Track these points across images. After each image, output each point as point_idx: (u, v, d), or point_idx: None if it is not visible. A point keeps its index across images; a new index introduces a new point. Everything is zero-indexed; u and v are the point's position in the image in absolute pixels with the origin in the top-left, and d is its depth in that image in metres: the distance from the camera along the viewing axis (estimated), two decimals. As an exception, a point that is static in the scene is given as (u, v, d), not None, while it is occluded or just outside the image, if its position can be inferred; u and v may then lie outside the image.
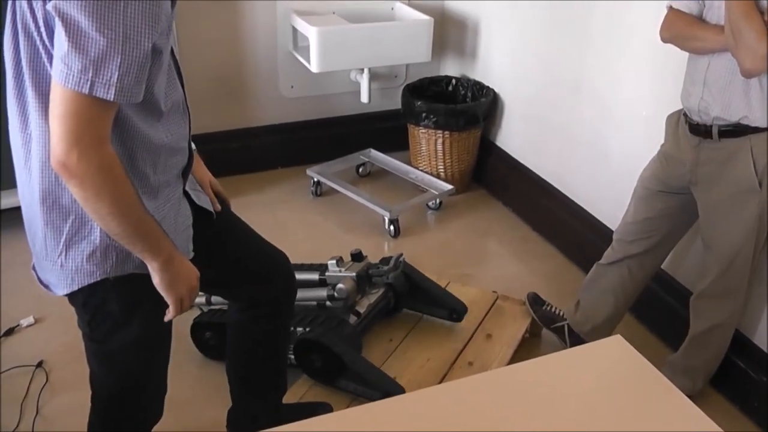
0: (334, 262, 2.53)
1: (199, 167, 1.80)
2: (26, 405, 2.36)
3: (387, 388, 2.18)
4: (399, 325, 2.61)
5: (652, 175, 2.34)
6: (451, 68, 4.01)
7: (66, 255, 1.44)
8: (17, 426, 2.28)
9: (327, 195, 3.69)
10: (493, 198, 3.75)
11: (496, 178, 3.75)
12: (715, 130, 2.11)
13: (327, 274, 2.51)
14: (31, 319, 2.71)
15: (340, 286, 2.42)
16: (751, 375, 2.42)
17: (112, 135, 1.31)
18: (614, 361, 1.51)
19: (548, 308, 2.70)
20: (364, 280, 2.51)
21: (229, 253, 1.81)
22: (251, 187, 3.66)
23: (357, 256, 2.57)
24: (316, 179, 3.66)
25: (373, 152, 3.90)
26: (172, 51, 1.44)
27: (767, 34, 1.87)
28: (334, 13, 3.64)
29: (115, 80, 1.23)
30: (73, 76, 1.21)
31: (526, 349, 2.62)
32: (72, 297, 1.51)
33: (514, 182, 3.61)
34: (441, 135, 3.58)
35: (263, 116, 3.81)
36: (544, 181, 3.39)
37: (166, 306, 1.50)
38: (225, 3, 3.51)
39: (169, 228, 1.49)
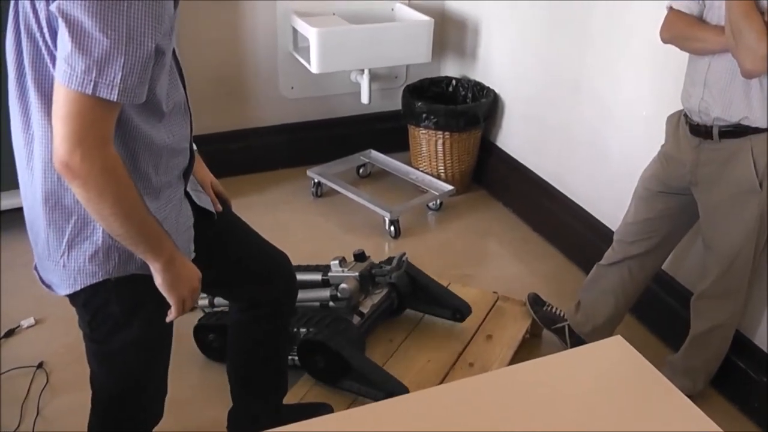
0: (337, 262, 2.53)
1: (200, 168, 1.80)
2: (27, 406, 2.36)
3: (391, 388, 2.18)
4: (399, 325, 2.61)
5: (652, 175, 2.34)
6: (451, 69, 4.01)
7: (68, 255, 1.44)
8: (18, 427, 2.28)
9: (327, 196, 3.69)
10: (494, 198, 3.75)
11: (496, 178, 3.75)
12: (715, 131, 2.11)
13: (330, 274, 2.51)
14: (31, 320, 2.71)
15: (343, 286, 2.42)
16: (752, 375, 2.42)
17: (114, 136, 1.31)
18: (615, 362, 1.51)
19: (549, 309, 2.70)
20: (367, 280, 2.51)
21: (230, 254, 1.81)
22: (252, 188, 3.66)
23: (360, 257, 2.57)
24: (316, 180, 3.66)
25: (374, 153, 3.90)
26: (174, 52, 1.44)
27: (767, 35, 1.87)
28: (334, 14, 3.64)
29: (119, 81, 1.23)
30: (77, 76, 1.22)
31: (527, 349, 2.62)
32: (73, 297, 1.51)
33: (514, 183, 3.61)
34: (441, 136, 3.59)
35: (263, 117, 3.81)
36: (545, 181, 3.39)
37: (168, 307, 1.50)
38: (225, 3, 3.51)
39: (171, 229, 1.49)
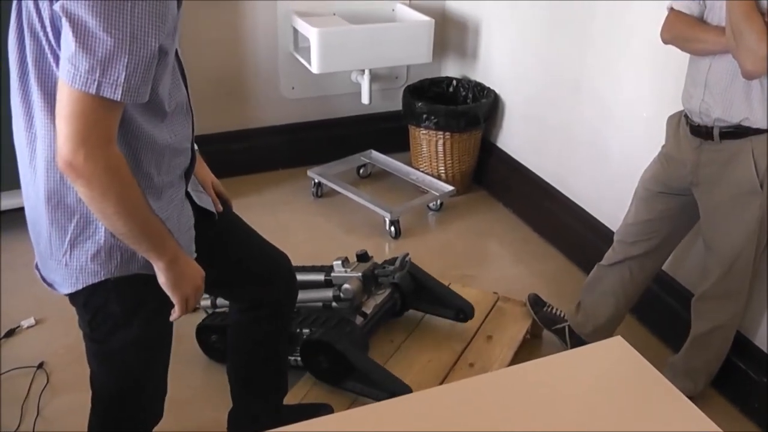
0: (340, 262, 2.52)
1: (201, 168, 1.80)
2: (27, 406, 2.36)
3: (394, 388, 2.17)
4: (400, 326, 2.61)
5: (652, 176, 2.34)
6: (451, 69, 4.01)
7: (71, 254, 1.44)
8: (18, 427, 2.28)
9: (328, 196, 3.69)
10: (494, 199, 3.75)
11: (496, 179, 3.75)
12: (716, 132, 2.11)
13: (333, 274, 2.51)
14: (31, 321, 2.71)
15: (345, 286, 2.42)
16: (752, 376, 2.42)
17: (117, 135, 1.31)
18: (615, 363, 1.51)
19: (549, 309, 2.70)
20: (370, 281, 2.50)
21: (230, 254, 1.81)
22: (252, 189, 3.66)
23: (362, 257, 2.57)
24: (317, 180, 3.66)
25: (374, 153, 3.90)
26: (176, 52, 1.44)
27: (768, 36, 1.87)
28: (334, 14, 3.65)
29: (122, 80, 1.23)
30: (81, 76, 1.22)
31: (527, 350, 2.62)
32: (73, 297, 1.51)
33: (514, 183, 3.61)
34: (442, 136, 3.59)
35: (264, 117, 3.81)
36: (545, 182, 3.39)
37: (170, 306, 1.51)
38: (225, 3, 3.51)
39: (173, 228, 1.49)
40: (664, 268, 2.55)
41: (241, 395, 2.09)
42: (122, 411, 1.66)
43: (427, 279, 2.62)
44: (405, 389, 2.18)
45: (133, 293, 1.51)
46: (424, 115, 3.55)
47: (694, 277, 2.52)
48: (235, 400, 2.11)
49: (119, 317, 1.52)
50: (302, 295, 2.45)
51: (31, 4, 1.30)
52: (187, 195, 1.62)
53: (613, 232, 2.53)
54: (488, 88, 3.69)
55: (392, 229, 3.37)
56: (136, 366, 1.62)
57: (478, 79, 3.78)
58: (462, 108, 3.57)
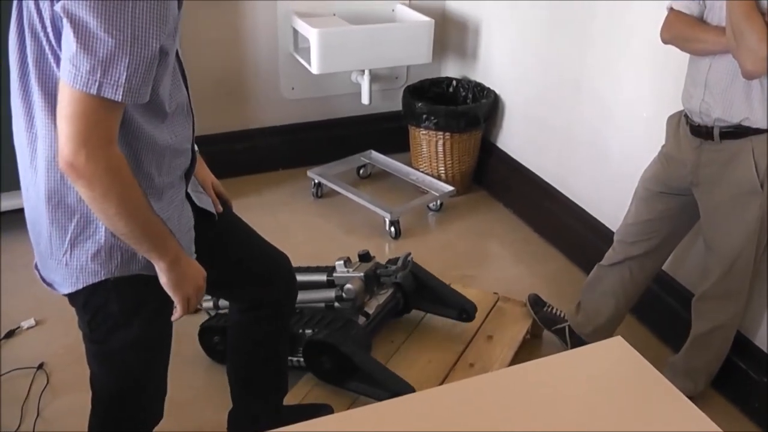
0: (342, 262, 2.52)
1: (202, 169, 1.80)
2: (27, 407, 2.36)
3: (398, 388, 2.16)
4: (400, 326, 2.61)
5: (652, 176, 2.34)
6: (451, 70, 4.01)
7: (71, 254, 1.44)
8: (18, 427, 2.28)
9: (328, 197, 3.69)
10: (494, 199, 3.75)
11: (496, 179, 3.75)
12: (716, 132, 2.11)
13: (335, 275, 2.51)
14: (32, 321, 2.71)
15: (348, 286, 2.41)
16: (752, 376, 2.42)
17: (118, 136, 1.31)
18: (615, 363, 1.51)
19: (549, 310, 2.70)
20: (372, 281, 2.50)
21: (231, 255, 1.81)
22: (252, 189, 3.66)
23: (365, 257, 2.56)
24: (316, 181, 3.66)
25: (374, 154, 3.90)
26: (177, 53, 1.44)
27: (768, 36, 1.87)
28: (334, 14, 3.65)
29: (123, 81, 1.24)
30: (82, 76, 1.22)
31: (527, 350, 2.61)
32: (73, 297, 1.51)
33: (515, 184, 3.61)
34: (442, 136, 3.59)
35: (264, 118, 3.81)
36: (545, 182, 3.39)
37: (170, 306, 1.51)
38: (225, 4, 3.51)
39: (173, 229, 1.49)
40: (664, 268, 2.55)
41: (241, 395, 2.09)
42: (122, 411, 1.66)
43: (429, 278, 2.61)
44: (408, 389, 2.18)
45: (134, 293, 1.51)
46: (424, 116, 3.55)
47: (694, 277, 2.52)
48: (235, 401, 2.11)
49: (119, 317, 1.52)
50: (305, 295, 2.46)
51: (31, 5, 1.31)
52: (187, 196, 1.62)
53: (613, 232, 2.53)
54: (488, 88, 3.69)
55: (392, 229, 3.37)
56: (136, 366, 1.62)
57: (478, 80, 3.78)
58: (462, 108, 3.57)
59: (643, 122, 2.76)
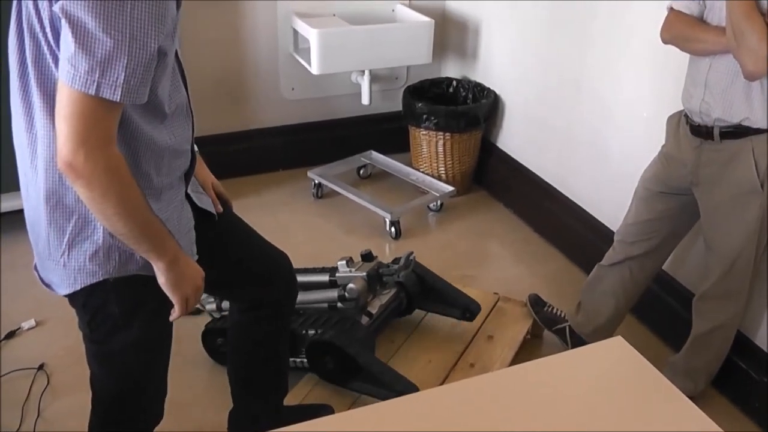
0: (344, 262, 2.51)
1: (201, 169, 1.80)
2: (27, 408, 2.36)
3: (401, 388, 2.16)
4: (400, 326, 2.61)
5: (653, 176, 2.34)
6: (451, 70, 4.01)
7: (69, 254, 1.44)
8: (18, 428, 2.28)
9: (328, 197, 3.69)
10: (494, 199, 3.75)
11: (497, 179, 3.75)
12: (716, 132, 2.11)
13: (337, 275, 2.51)
14: (32, 322, 2.71)
15: (350, 286, 2.41)
16: (752, 376, 2.42)
17: (117, 136, 1.31)
18: (615, 363, 1.51)
19: (549, 310, 2.70)
20: (375, 280, 2.49)
21: (231, 255, 1.81)
22: (252, 189, 3.66)
23: (367, 257, 2.56)
24: (317, 181, 3.66)
25: (374, 154, 3.90)
26: (176, 54, 1.44)
27: (768, 36, 1.87)
28: (334, 14, 3.65)
29: (122, 81, 1.24)
30: (80, 77, 1.22)
31: (528, 350, 2.61)
32: (72, 298, 1.51)
33: (515, 184, 3.61)
34: (442, 136, 3.59)
35: (264, 118, 3.81)
36: (545, 182, 3.39)
37: (169, 307, 1.50)
38: (225, 4, 3.51)
39: (173, 230, 1.49)
40: (664, 268, 2.55)
41: (241, 395, 2.09)
42: (122, 412, 1.66)
43: (432, 278, 2.61)
44: (412, 389, 2.17)
45: (132, 294, 1.51)
46: (424, 116, 3.55)
47: (694, 277, 2.52)
48: (236, 401, 2.11)
49: (118, 318, 1.52)
50: (307, 296, 2.46)
51: (30, 5, 1.31)
52: (187, 196, 1.62)
53: (613, 232, 2.53)
54: (488, 88, 3.69)
55: (392, 229, 3.37)
56: (136, 367, 1.62)
57: (478, 80, 3.78)
58: (462, 108, 3.57)
59: (643, 122, 2.76)
